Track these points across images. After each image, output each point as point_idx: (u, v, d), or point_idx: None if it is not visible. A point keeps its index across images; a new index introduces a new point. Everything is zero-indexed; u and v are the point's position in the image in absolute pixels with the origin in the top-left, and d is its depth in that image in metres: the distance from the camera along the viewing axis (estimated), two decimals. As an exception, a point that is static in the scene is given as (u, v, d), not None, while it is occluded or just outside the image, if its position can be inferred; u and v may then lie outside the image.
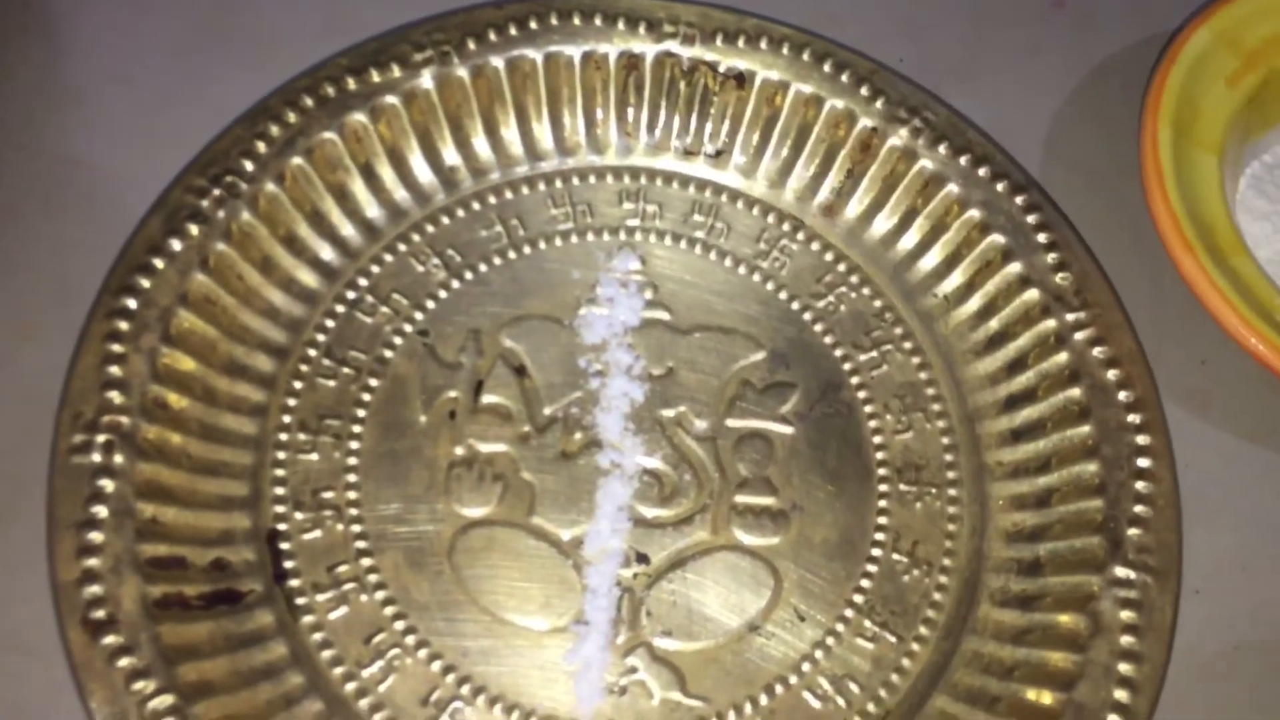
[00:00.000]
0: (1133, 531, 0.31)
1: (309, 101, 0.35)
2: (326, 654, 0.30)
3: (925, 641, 0.31)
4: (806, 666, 0.31)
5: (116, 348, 0.31)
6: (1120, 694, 0.29)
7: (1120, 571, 0.31)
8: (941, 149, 0.36)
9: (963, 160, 0.36)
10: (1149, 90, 0.35)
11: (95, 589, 0.28)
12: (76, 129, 0.36)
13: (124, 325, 0.31)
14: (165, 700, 0.27)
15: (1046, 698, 0.30)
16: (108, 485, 0.29)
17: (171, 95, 0.37)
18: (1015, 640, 0.31)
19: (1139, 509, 0.32)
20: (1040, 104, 0.40)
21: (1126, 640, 0.30)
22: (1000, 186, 0.36)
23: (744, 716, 0.30)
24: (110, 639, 0.27)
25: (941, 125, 0.36)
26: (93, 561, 0.28)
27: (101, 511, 0.29)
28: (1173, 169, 0.34)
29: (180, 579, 0.29)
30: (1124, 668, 0.30)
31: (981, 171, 0.36)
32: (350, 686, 0.29)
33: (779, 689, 0.30)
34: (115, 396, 0.30)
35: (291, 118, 0.34)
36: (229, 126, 0.34)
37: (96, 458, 0.29)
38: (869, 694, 0.31)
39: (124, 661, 0.27)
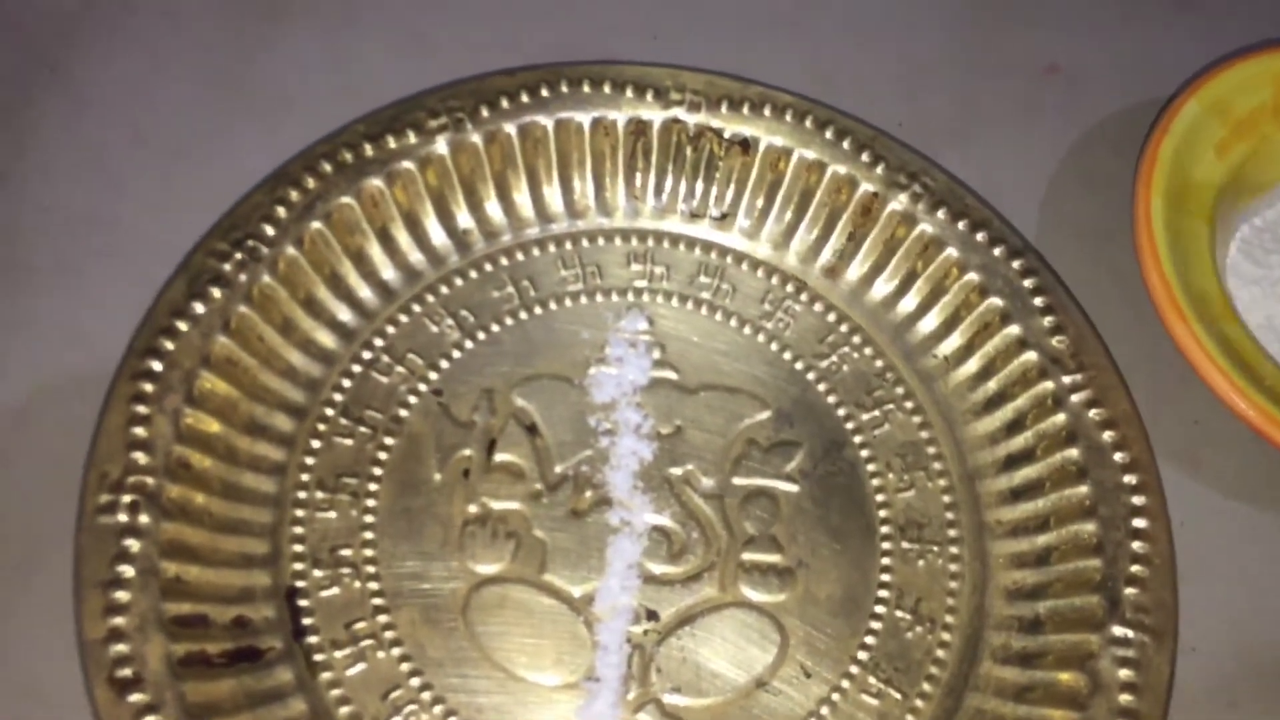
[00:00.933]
0: (1130, 591, 0.32)
1: (327, 167, 0.36)
2: (345, 710, 0.30)
3: (929, 698, 0.32)
4: (813, 722, 0.32)
5: (142, 409, 0.31)
6: (1119, 751, 0.30)
7: (1118, 631, 0.32)
8: (940, 214, 0.37)
9: (961, 225, 0.37)
10: (1141, 161, 0.37)
11: (121, 647, 0.29)
12: (97, 189, 0.37)
13: (149, 387, 0.32)
14: (190, 758, 0.28)
15: (1047, 754, 0.30)
16: (133, 545, 0.30)
17: (190, 156, 0.38)
18: (1016, 698, 0.32)
19: (1135, 568, 0.33)
20: (1035, 168, 0.41)
21: (1125, 699, 0.31)
22: (998, 251, 0.37)
23: (752, 772, 0.31)
24: (136, 697, 0.28)
25: (940, 190, 0.38)
26: (119, 620, 0.29)
27: (128, 571, 0.29)
28: (1165, 239, 0.35)
29: (203, 637, 0.30)
30: (1122, 725, 0.31)
31: (979, 236, 0.37)
32: (367, 742, 0.30)
33: (786, 744, 0.31)
34: (140, 457, 0.31)
35: (310, 183, 0.35)
36: (250, 191, 0.35)
37: (123, 518, 0.30)
38: (874, 749, 0.31)
39: (150, 719, 0.28)
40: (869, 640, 0.33)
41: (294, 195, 0.35)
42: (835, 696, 0.32)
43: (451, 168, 0.37)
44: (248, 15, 0.40)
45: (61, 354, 0.34)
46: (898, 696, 0.32)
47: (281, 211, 0.35)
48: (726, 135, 0.38)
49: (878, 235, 0.38)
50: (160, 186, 0.37)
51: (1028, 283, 0.36)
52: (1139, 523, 0.33)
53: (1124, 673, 0.31)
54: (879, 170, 0.38)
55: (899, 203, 0.37)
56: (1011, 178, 0.40)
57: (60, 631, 0.29)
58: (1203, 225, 0.36)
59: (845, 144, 0.38)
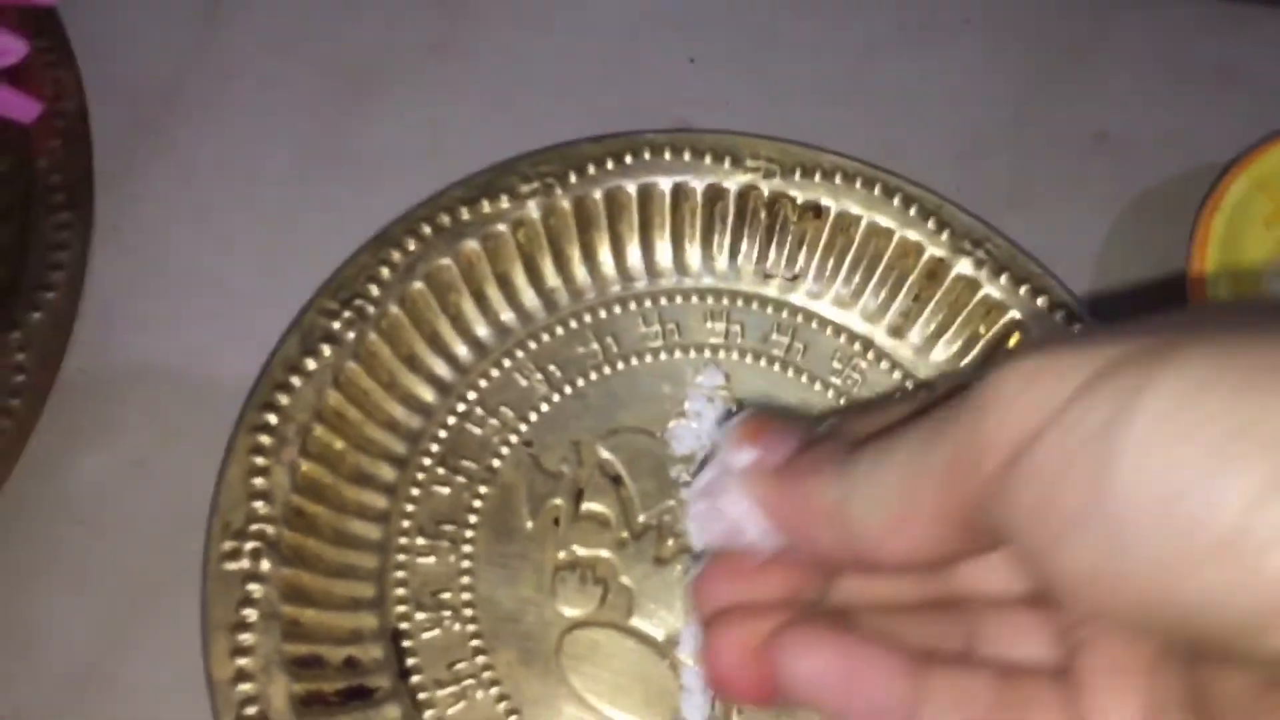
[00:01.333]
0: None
1: (427, 230, 0.38)
2: (449, 747, 0.32)
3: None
4: (887, 763, 0.33)
5: (261, 460, 0.33)
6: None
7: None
8: (1003, 279, 0.39)
9: (1022, 290, 0.39)
10: (1194, 236, 0.39)
11: (247, 687, 0.31)
12: (206, 245, 0.39)
13: (266, 440, 0.34)
14: (315, 792, 0.30)
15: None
16: (256, 590, 0.32)
17: (293, 220, 0.40)
18: None
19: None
20: (1088, 233, 0.43)
21: None
22: (1058, 316, 0.39)
23: (830, 810, 0.33)
24: (263, 734, 0.30)
25: (1003, 257, 0.40)
26: (245, 661, 0.31)
27: (252, 614, 0.31)
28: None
29: (319, 677, 0.32)
30: None
31: (1040, 301, 0.39)
32: (470, 778, 0.32)
33: (862, 784, 0.33)
34: (261, 506, 0.33)
35: (411, 245, 0.38)
36: (355, 253, 0.37)
37: (246, 564, 0.32)
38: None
39: (276, 756, 0.30)
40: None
41: (396, 256, 0.37)
42: (908, 739, 0.34)
43: (541, 230, 0.39)
44: (344, 82, 0.43)
45: (180, 407, 0.36)
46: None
47: (385, 272, 0.37)
48: (800, 201, 0.40)
49: (942, 298, 0.40)
50: (266, 249, 0.39)
51: (1086, 346, 0.38)
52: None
53: None
54: (944, 236, 0.40)
55: (963, 267, 0.40)
56: (1065, 244, 0.42)
57: (189, 672, 0.31)
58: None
59: (912, 211, 0.40)
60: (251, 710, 0.30)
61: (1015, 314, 0.39)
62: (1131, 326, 0.20)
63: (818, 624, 0.23)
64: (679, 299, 0.40)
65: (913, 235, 0.40)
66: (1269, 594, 0.17)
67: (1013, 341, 0.39)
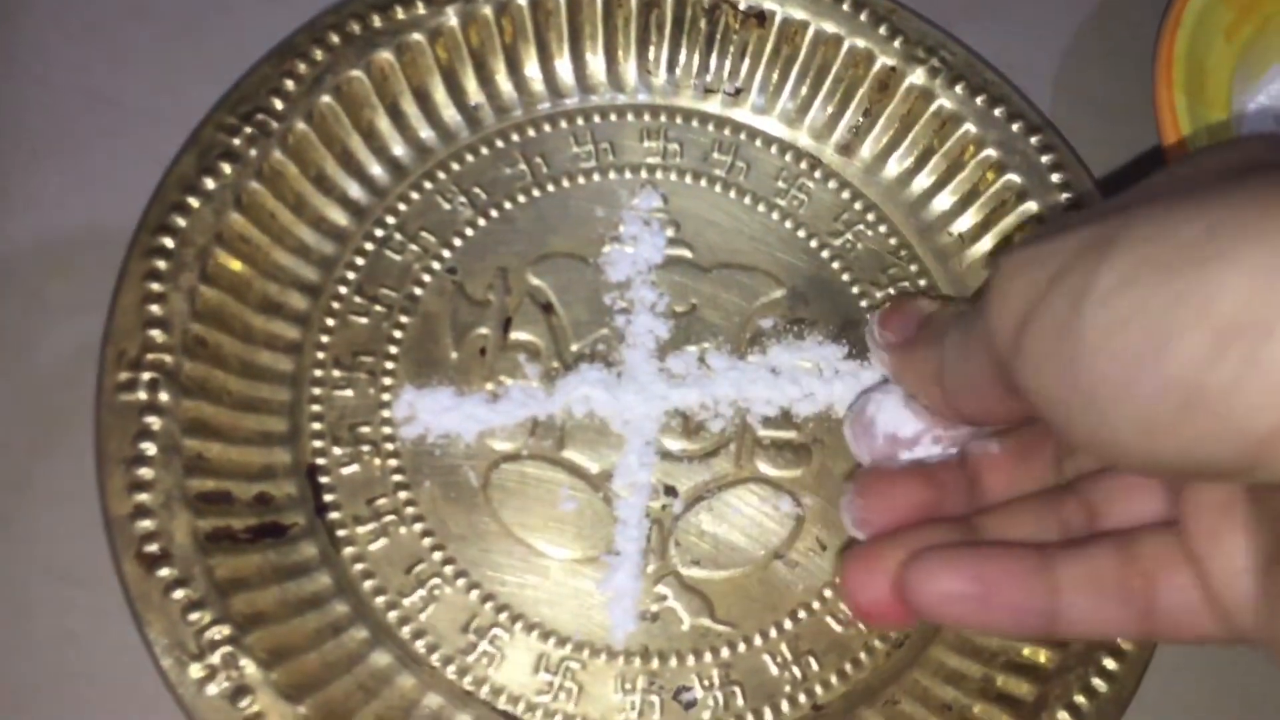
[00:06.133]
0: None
1: (335, 39, 0.35)
2: (369, 584, 0.31)
3: (942, 569, 0.33)
4: (829, 593, 0.32)
5: (156, 286, 0.31)
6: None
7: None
8: (958, 89, 0.37)
9: (979, 100, 0.37)
10: (1157, 55, 0.36)
11: (148, 523, 0.29)
12: (96, 63, 0.36)
13: (162, 264, 0.31)
14: (222, 630, 0.28)
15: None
16: (155, 422, 0.30)
17: (190, 29, 0.37)
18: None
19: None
20: (1049, 43, 0.41)
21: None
22: (1015, 127, 0.36)
23: (770, 641, 0.32)
24: (165, 572, 0.28)
25: (959, 65, 0.37)
26: (144, 496, 0.29)
27: (150, 448, 0.29)
28: (1190, 131, 0.34)
29: (227, 513, 0.30)
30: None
31: (997, 112, 0.37)
32: (393, 615, 0.30)
33: (803, 615, 0.32)
34: (158, 335, 0.31)
35: (318, 55, 0.34)
36: (257, 64, 0.34)
37: (143, 395, 0.30)
38: (888, 619, 0.32)
39: (179, 594, 0.28)
40: (884, 514, 0.33)
41: (301, 68, 0.34)
42: (851, 568, 0.32)
43: (461, 40, 0.36)
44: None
45: (71, 233, 0.34)
46: (912, 568, 0.33)
47: (290, 85, 0.34)
48: (742, 6, 0.37)
49: (894, 111, 0.37)
50: (162, 62, 0.36)
51: (1045, 159, 0.36)
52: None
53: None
54: (897, 44, 0.37)
55: (917, 77, 0.37)
56: (1026, 52, 0.40)
57: (85, 509, 0.29)
58: (1224, 117, 0.36)
59: (863, 16, 0.37)
60: (152, 547, 0.28)
61: (971, 127, 0.37)
62: (1093, 211, 0.23)
63: (947, 551, 0.26)
64: (613, 116, 0.37)
65: (862, 43, 0.37)
66: (1242, 439, 0.19)
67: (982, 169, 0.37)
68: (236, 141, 0.33)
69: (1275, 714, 0.33)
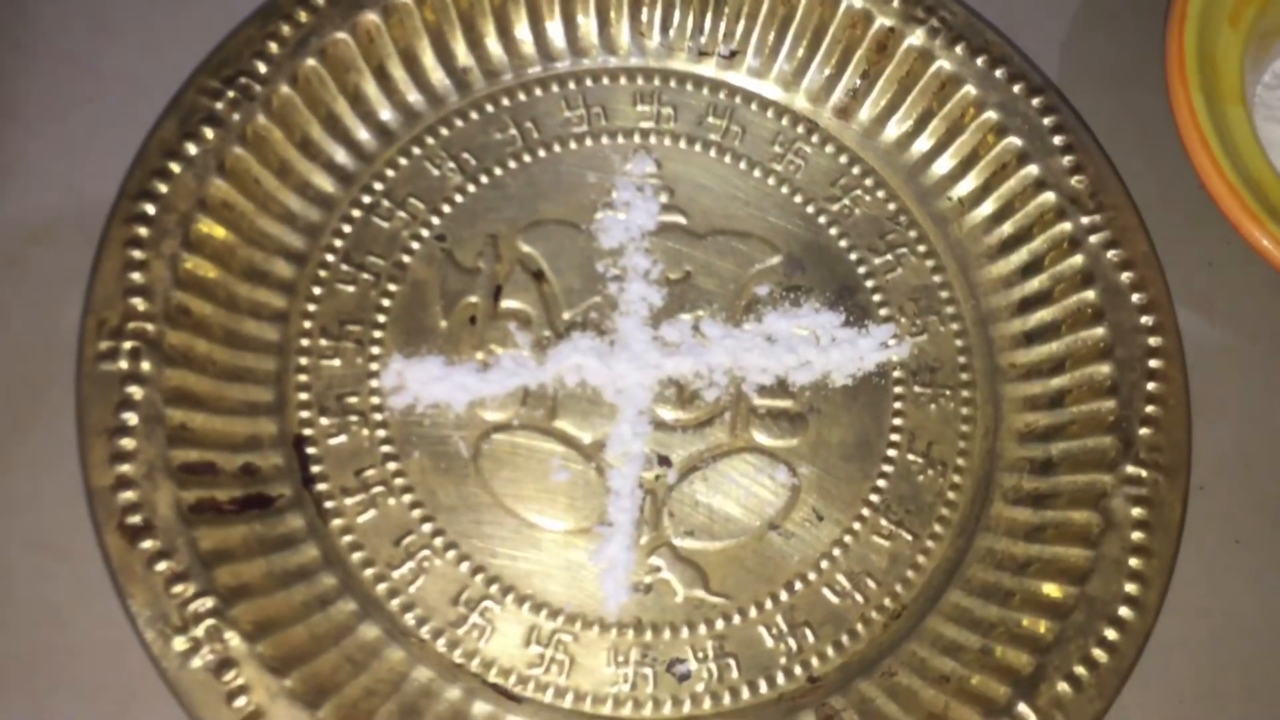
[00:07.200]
0: (1144, 431, 0.32)
1: (320, 0, 0.34)
2: (357, 556, 0.30)
3: (940, 539, 0.32)
4: (825, 564, 0.32)
5: (137, 254, 0.30)
6: (1130, 587, 0.30)
7: (1131, 470, 0.32)
8: (959, 49, 0.36)
9: (980, 61, 0.36)
10: (1167, 53, 0.35)
11: (130, 494, 0.28)
12: (75, 25, 0.35)
13: (144, 231, 0.31)
14: (206, 603, 0.27)
15: (1058, 591, 0.31)
16: (136, 392, 0.29)
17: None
18: (1028, 537, 0.32)
19: (1150, 409, 0.32)
20: (1057, 6, 0.40)
21: (1137, 536, 0.31)
22: (1017, 88, 0.36)
23: (765, 613, 0.31)
24: (148, 543, 0.28)
25: (959, 25, 0.36)
26: (126, 467, 0.28)
27: (132, 418, 0.29)
28: (1213, 134, 0.33)
29: (212, 484, 0.29)
30: (1134, 562, 0.31)
31: (999, 73, 0.36)
32: (381, 587, 0.30)
33: (799, 586, 0.31)
34: (139, 303, 0.30)
35: (303, 16, 0.34)
36: (239, 26, 0.33)
37: (124, 364, 0.29)
38: (885, 590, 0.32)
39: (162, 565, 0.28)
40: (880, 483, 0.33)
41: (285, 29, 0.33)
42: (847, 538, 0.32)
43: (450, 1, 0.35)
44: None
45: (52, 200, 0.33)
46: (909, 538, 0.32)
47: (273, 47, 0.33)
48: (736, -33, 0.36)
49: (893, 72, 0.36)
50: (143, 25, 0.35)
51: (1047, 121, 0.35)
52: (1154, 363, 0.33)
53: (1136, 511, 0.31)
54: (895, 3, 0.36)
55: (916, 38, 0.36)
56: (1032, 15, 0.39)
57: (66, 480, 0.29)
58: (1239, 109, 0.35)
59: (860, -24, 0.36)
60: (135, 519, 0.28)
61: (971, 88, 0.36)
62: None
63: None
64: (605, 79, 0.37)
65: (860, 3, 0.36)
66: None
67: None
68: (219, 105, 0.32)
69: (1275, 686, 0.32)
